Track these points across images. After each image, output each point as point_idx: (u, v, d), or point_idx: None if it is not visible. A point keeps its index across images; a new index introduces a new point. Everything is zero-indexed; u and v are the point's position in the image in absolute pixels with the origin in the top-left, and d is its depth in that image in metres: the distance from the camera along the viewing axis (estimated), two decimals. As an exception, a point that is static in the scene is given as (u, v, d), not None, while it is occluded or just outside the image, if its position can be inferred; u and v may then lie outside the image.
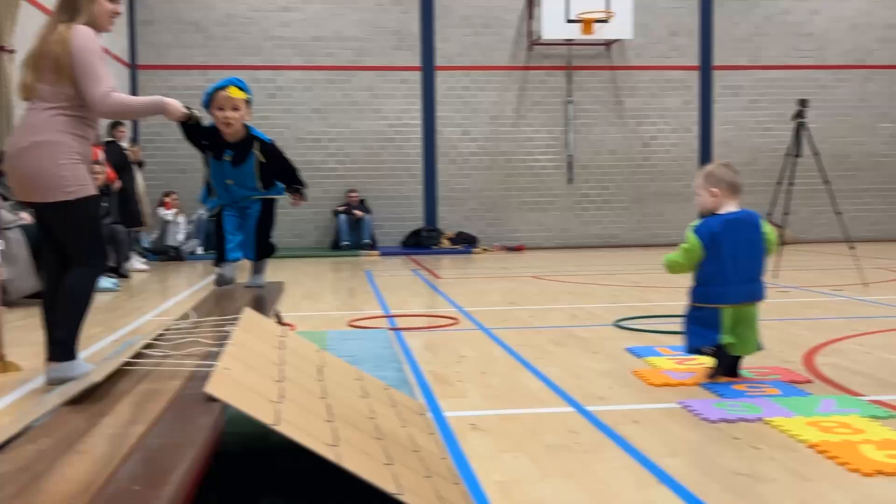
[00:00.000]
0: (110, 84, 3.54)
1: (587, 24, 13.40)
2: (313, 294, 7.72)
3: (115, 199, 9.96)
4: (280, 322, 4.15)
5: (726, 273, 3.59)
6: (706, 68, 14.79)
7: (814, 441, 2.78)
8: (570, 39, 13.89)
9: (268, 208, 4.15)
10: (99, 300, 7.35)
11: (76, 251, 3.65)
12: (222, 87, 3.94)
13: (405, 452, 2.27)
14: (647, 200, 14.85)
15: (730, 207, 3.68)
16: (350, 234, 13.62)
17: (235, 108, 3.94)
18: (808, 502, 2.27)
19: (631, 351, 4.49)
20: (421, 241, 13.86)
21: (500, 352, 4.55)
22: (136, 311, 6.56)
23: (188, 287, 8.50)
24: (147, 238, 12.45)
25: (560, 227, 14.74)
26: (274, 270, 11.02)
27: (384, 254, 13.25)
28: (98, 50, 3.54)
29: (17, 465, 1.24)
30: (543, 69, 14.56)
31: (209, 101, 3.96)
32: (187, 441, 1.41)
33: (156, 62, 13.73)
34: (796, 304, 6.54)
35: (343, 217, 13.65)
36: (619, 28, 13.64)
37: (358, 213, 13.67)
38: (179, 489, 1.17)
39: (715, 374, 3.72)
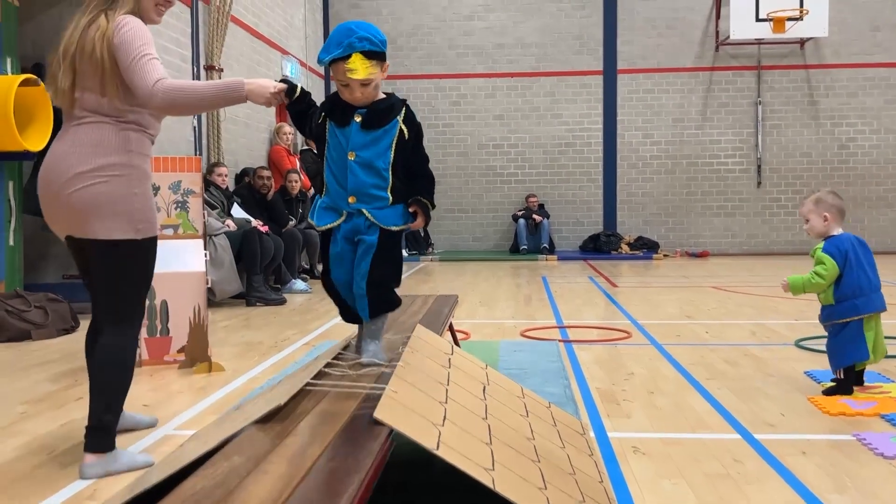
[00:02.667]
0: (160, 74, 2.74)
1: (778, 22, 12.84)
2: (489, 300, 7.92)
3: (309, 204, 10.61)
4: (452, 332, 4.33)
5: (863, 284, 3.89)
6: (913, 64, 13.78)
7: None
8: (760, 39, 13.36)
9: (388, 242, 2.68)
10: (293, 302, 7.91)
11: (119, 304, 2.91)
12: (343, 58, 2.55)
13: (561, 475, 2.37)
14: (845, 205, 13.98)
15: (837, 231, 4.01)
16: (529, 239, 13.77)
17: (365, 84, 2.59)
18: (983, 554, 2.18)
19: (810, 375, 4.35)
20: (600, 246, 13.80)
21: (670, 370, 4.54)
22: (327, 315, 6.97)
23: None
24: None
25: (747, 233, 14.22)
26: (454, 275, 11.38)
27: (562, 258, 13.31)
28: (147, 38, 2.79)
29: (214, 482, 1.47)
30: (731, 69, 14.09)
31: (328, 64, 2.63)
32: (355, 467, 1.59)
33: (347, 73, 14.44)
34: None
35: (522, 222, 13.82)
36: (813, 25, 12.98)
37: (537, 217, 13.80)
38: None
39: (840, 390, 3.88)
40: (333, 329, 6.05)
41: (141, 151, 2.92)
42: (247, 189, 9.12)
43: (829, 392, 3.94)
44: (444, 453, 1.94)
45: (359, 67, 2.56)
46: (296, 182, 9.91)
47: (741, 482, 2.74)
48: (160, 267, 4.84)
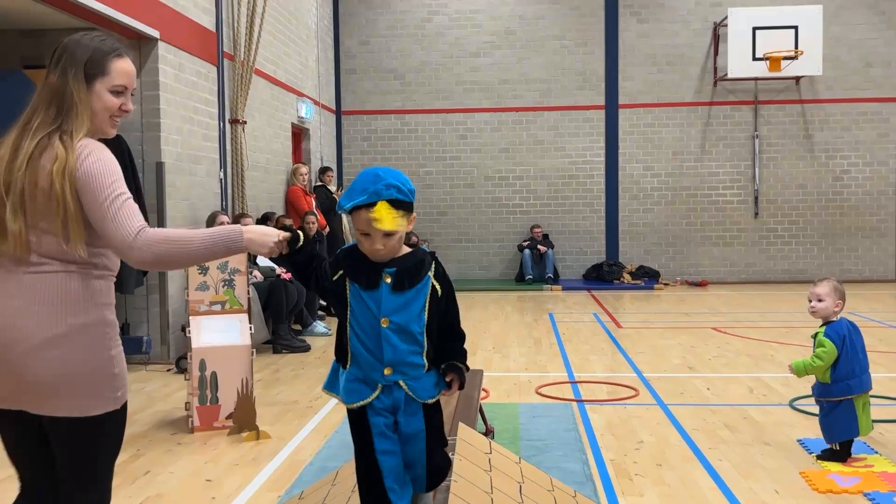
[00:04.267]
0: (141, 220, 2.30)
1: (774, 61, 13.32)
2: (501, 345, 8.39)
3: (325, 243, 11.07)
4: (482, 413, 4.78)
5: (856, 368, 4.41)
6: (905, 99, 14.29)
7: (960, 576, 3.10)
8: (757, 77, 13.85)
9: (433, 417, 2.52)
10: (315, 346, 8.37)
11: (90, 484, 2.40)
12: (366, 206, 2.34)
13: (591, 575, 2.84)
14: (839, 235, 14.52)
15: (836, 318, 4.54)
16: (534, 268, 14.24)
17: (388, 235, 2.38)
18: None
19: (803, 444, 4.81)
20: (602, 276, 14.27)
21: (676, 437, 5.01)
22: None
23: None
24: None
25: (745, 262, 14.70)
26: (464, 309, 11.66)
27: (567, 288, 13.77)
28: (117, 171, 2.35)
29: None
30: (729, 104, 14.58)
31: (349, 211, 2.41)
32: None
33: (357, 108, 14.94)
34: None
35: (527, 252, 14.28)
36: (808, 64, 13.47)
37: (542, 248, 14.26)
38: None
39: (836, 458, 4.43)
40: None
41: (110, 302, 2.42)
42: (269, 235, 9.56)
43: (823, 458, 4.48)
44: (502, 576, 2.41)
45: (384, 217, 2.31)
46: (313, 223, 10.37)
47: (741, 569, 3.20)
48: (210, 340, 5.33)
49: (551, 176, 14.88)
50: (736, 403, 5.85)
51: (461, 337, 2.55)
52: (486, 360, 7.55)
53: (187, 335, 5.35)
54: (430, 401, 2.46)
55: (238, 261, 5.50)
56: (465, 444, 3.41)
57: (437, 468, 2.53)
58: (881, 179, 14.49)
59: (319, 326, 9.27)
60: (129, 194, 2.33)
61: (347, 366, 2.44)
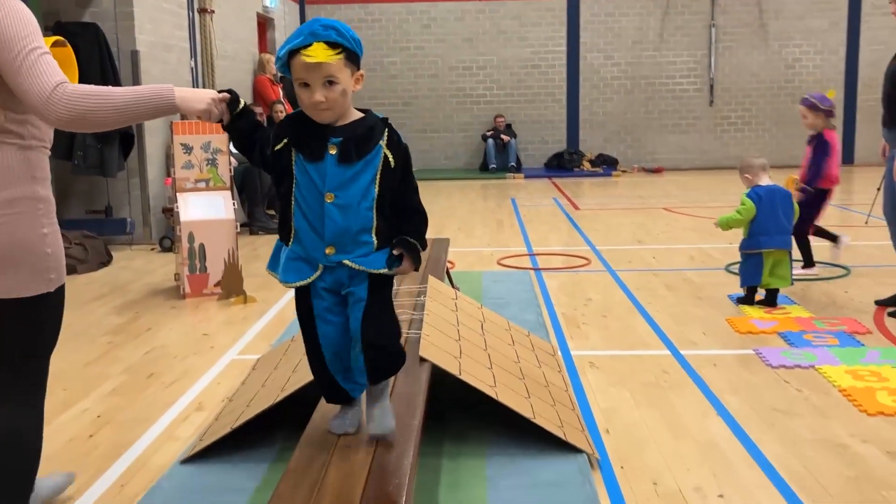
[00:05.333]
0: (60, 75, 2.07)
1: (732, -50, 13.57)
2: (467, 226, 8.92)
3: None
4: (448, 273, 5.32)
5: (771, 226, 5.02)
6: (857, -12, 14.68)
7: (844, 386, 3.74)
8: (715, -35, 14.12)
9: (379, 289, 2.27)
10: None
11: (24, 374, 2.27)
12: (300, 48, 2.12)
13: (539, 388, 3.43)
14: (789, 123, 15.08)
15: (764, 182, 5.16)
16: (497, 158, 14.70)
17: (331, 82, 2.14)
18: (819, 433, 3.28)
19: (731, 298, 5.44)
20: (563, 164, 14.78)
21: (621, 296, 5.61)
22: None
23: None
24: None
25: (700, 150, 15.27)
26: (430, 197, 12.37)
27: (529, 176, 14.28)
28: (32, 25, 2.11)
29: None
30: (687, -7, 14.87)
31: (287, 69, 2.20)
32: (418, 388, 2.61)
33: (321, -2, 15.00)
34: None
35: (491, 141, 14.71)
36: (765, -47, 13.74)
37: (505, 137, 14.69)
38: (420, 419, 2.36)
39: (747, 302, 5.19)
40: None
41: (42, 176, 2.25)
42: (241, 124, 9.89)
43: (739, 302, 5.25)
44: (465, 377, 2.98)
45: (319, 54, 2.08)
46: (281, 112, 10.66)
47: (666, 388, 3.82)
48: (197, 215, 5.77)
49: (514, 66, 15.18)
50: (677, 269, 6.47)
51: (418, 212, 2.30)
52: (452, 239, 8.04)
53: (175, 211, 5.78)
54: (383, 271, 2.23)
55: (220, 141, 5.89)
56: (434, 290, 3.95)
57: (378, 349, 2.25)
58: (831, 68, 15.00)
59: (292, 211, 9.71)
60: (46, 49, 2.10)
61: (290, 243, 2.24)
